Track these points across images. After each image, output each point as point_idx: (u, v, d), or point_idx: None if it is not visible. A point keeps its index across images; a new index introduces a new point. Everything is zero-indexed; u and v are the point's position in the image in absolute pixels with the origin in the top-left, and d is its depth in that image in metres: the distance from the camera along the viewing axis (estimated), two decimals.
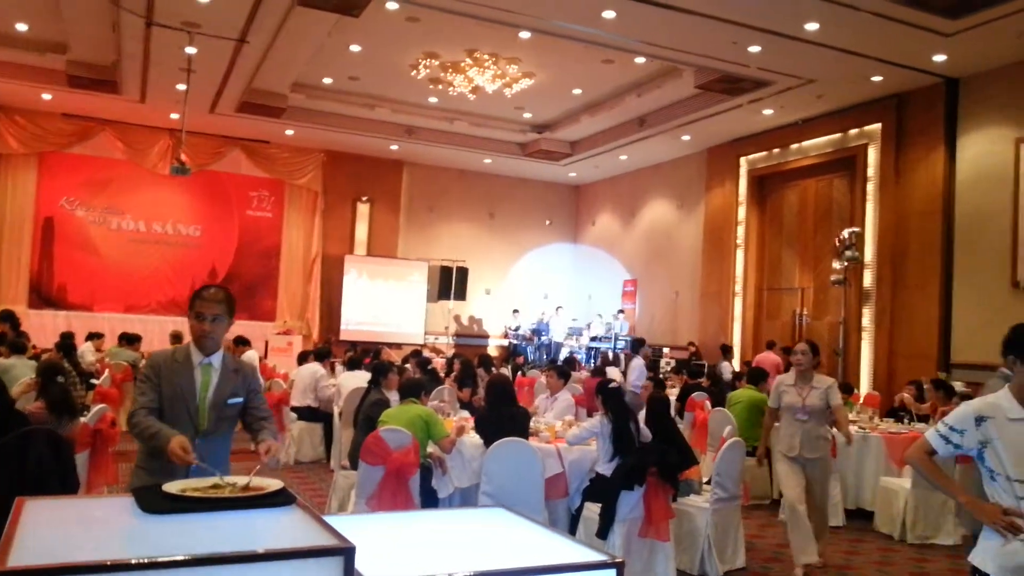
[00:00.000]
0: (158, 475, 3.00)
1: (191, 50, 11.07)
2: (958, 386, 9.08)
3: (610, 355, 15.76)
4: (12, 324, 8.94)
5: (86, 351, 11.21)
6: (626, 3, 9.09)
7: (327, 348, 10.41)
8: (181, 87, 12.38)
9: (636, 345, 11.51)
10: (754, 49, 10.24)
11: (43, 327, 14.60)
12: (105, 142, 15.67)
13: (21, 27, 11.73)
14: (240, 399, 3.40)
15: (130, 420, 3.21)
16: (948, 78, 10.92)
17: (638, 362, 11.35)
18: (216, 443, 3.32)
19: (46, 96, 14.03)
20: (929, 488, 6.26)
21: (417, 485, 5.16)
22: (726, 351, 12.57)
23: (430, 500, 5.35)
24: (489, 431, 5.35)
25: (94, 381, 9.65)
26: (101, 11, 10.21)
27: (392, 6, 9.94)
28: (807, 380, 5.64)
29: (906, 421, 8.15)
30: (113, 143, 15.68)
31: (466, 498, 5.40)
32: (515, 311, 18.00)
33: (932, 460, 3.03)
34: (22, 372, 7.21)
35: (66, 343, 9.37)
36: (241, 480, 2.88)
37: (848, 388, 9.23)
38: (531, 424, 5.92)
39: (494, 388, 5.83)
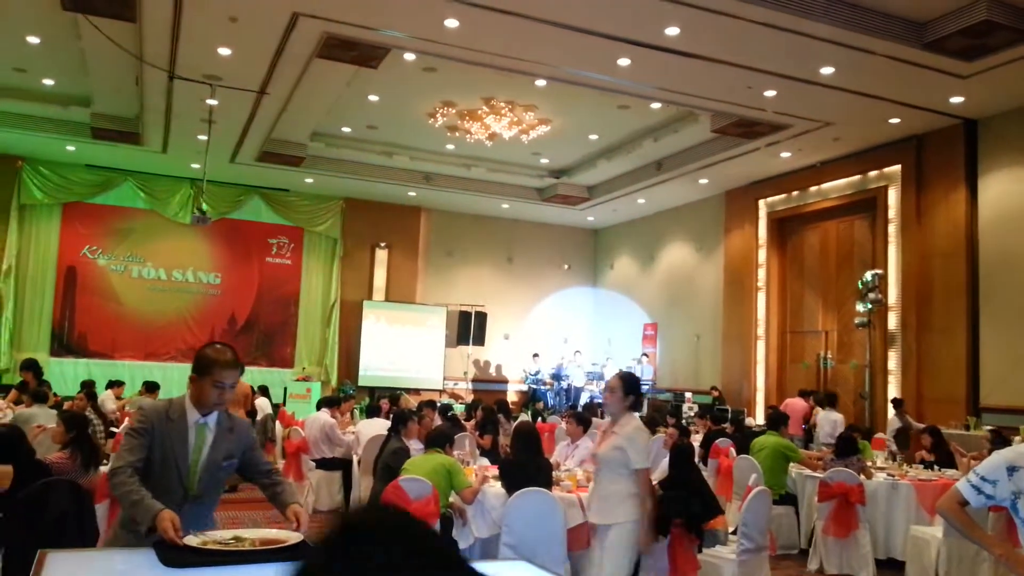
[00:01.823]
0: (143, 539, 2.81)
1: (212, 102, 11.32)
2: (987, 428, 8.97)
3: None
4: (35, 373, 9.04)
5: (106, 399, 11.28)
6: (640, 50, 9.23)
7: (336, 396, 10.41)
8: (202, 138, 12.64)
9: (831, 399, 10.66)
10: (770, 93, 10.33)
11: (63, 375, 14.76)
12: (127, 192, 15.97)
13: (48, 82, 12.07)
14: (235, 460, 3.19)
15: (113, 477, 2.91)
16: (966, 119, 10.94)
17: (830, 416, 10.26)
18: (205, 508, 3.14)
19: (70, 148, 14.36)
20: (962, 538, 6.12)
21: None
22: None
23: None
24: (514, 479, 5.30)
25: (114, 429, 9.69)
26: (125, 66, 10.49)
27: (409, 57, 10.14)
28: (614, 424, 4.56)
29: (936, 468, 8.00)
30: (135, 193, 15.99)
31: (487, 549, 5.34)
32: (535, 355, 17.96)
33: (964, 511, 2.97)
34: (43, 421, 7.28)
35: (89, 391, 9.45)
36: (259, 533, 2.89)
37: (865, 431, 8.96)
38: (553, 474, 5.87)
39: (522, 436, 5.79)
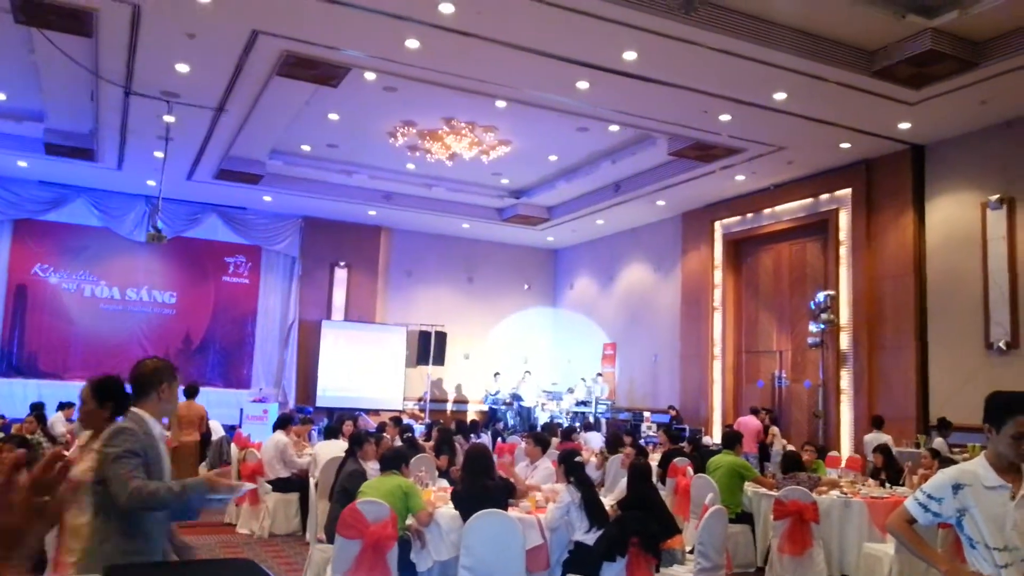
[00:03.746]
0: (142, 554, 2.95)
1: (169, 119, 11.18)
2: (925, 448, 9.15)
3: (591, 420, 15.67)
4: None
5: (56, 422, 10.98)
6: (599, 74, 9.34)
7: (288, 415, 10.29)
8: (159, 154, 12.45)
9: (878, 422, 10.58)
10: (725, 118, 10.52)
11: (12, 396, 14.32)
12: (81, 209, 15.64)
13: None
14: None
15: (139, 490, 2.87)
16: (914, 145, 11.25)
17: (880, 437, 10.23)
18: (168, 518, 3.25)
19: (22, 163, 14.04)
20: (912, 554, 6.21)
21: (395, 559, 5.06)
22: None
23: (408, 574, 5.24)
24: (466, 506, 5.26)
25: (64, 453, 9.42)
26: (80, 81, 10.32)
27: (370, 76, 10.14)
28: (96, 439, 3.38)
29: (887, 485, 8.14)
30: (89, 210, 15.67)
31: (445, 571, 5.30)
32: (496, 374, 17.92)
33: (912, 529, 3.03)
34: None
35: (39, 414, 9.21)
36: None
37: (819, 449, 9.05)
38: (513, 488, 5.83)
39: (471, 460, 5.74)
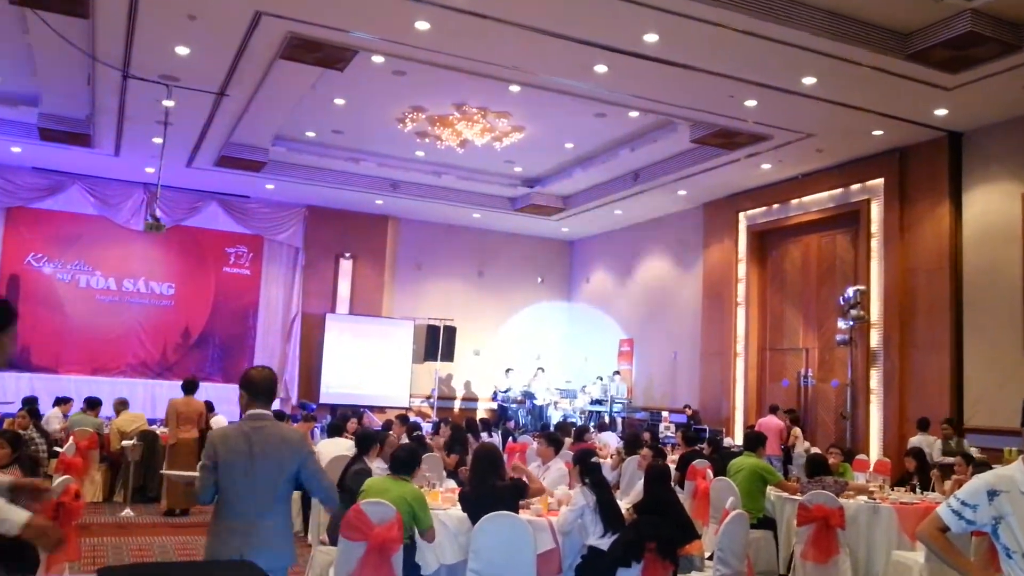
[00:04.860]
0: None
1: (169, 103, 11.23)
2: (973, 451, 9.05)
3: (606, 419, 15.68)
4: None
5: (52, 418, 11.08)
6: (618, 57, 9.31)
7: (280, 412, 10.39)
8: (157, 140, 12.52)
9: (923, 423, 10.50)
10: (750, 103, 10.47)
11: (4, 390, 14.47)
12: (76, 196, 15.75)
13: None
14: None
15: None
16: (951, 132, 11.16)
17: (927, 438, 10.27)
18: None
19: (15, 149, 14.15)
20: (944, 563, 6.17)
21: (400, 561, 5.08)
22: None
23: None
24: (474, 508, 5.27)
25: (57, 449, 9.53)
26: (76, 64, 10.38)
27: (378, 59, 10.15)
28: None
29: (917, 490, 8.10)
30: (84, 197, 15.77)
31: (453, 575, 5.32)
32: (508, 370, 17.93)
33: (945, 537, 3.01)
34: None
35: (32, 408, 9.29)
36: None
37: (846, 452, 8.91)
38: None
39: (479, 461, 5.73)
